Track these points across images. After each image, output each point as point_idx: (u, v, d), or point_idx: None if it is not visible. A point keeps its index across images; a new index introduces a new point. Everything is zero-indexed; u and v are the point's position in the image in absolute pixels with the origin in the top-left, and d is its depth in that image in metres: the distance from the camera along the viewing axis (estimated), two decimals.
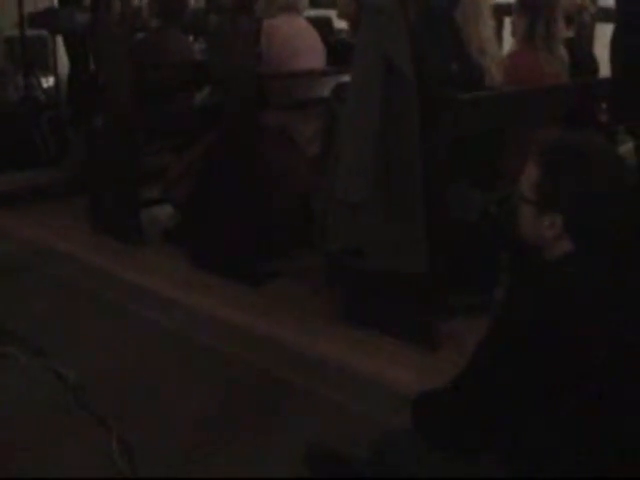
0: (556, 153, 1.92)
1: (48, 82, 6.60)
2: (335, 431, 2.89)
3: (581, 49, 4.81)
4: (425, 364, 3.26)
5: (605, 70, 4.34)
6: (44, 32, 6.57)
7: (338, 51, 4.58)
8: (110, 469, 2.71)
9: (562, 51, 4.31)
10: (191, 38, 6.05)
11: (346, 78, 3.66)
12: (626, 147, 3.52)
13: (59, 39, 6.44)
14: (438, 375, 2.72)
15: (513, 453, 1.90)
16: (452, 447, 1.99)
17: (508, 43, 5.04)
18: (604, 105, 4.41)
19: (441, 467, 2.01)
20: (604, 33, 5.12)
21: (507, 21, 5.11)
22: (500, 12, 4.90)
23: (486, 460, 1.95)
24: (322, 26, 4.94)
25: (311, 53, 4.58)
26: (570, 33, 4.71)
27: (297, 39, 4.52)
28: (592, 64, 4.78)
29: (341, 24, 5.33)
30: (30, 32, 6.36)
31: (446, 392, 2.01)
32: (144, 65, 4.66)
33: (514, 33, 4.36)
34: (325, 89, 4.23)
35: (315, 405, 3.11)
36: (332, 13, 5.72)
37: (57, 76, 6.46)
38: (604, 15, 5.64)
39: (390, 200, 3.25)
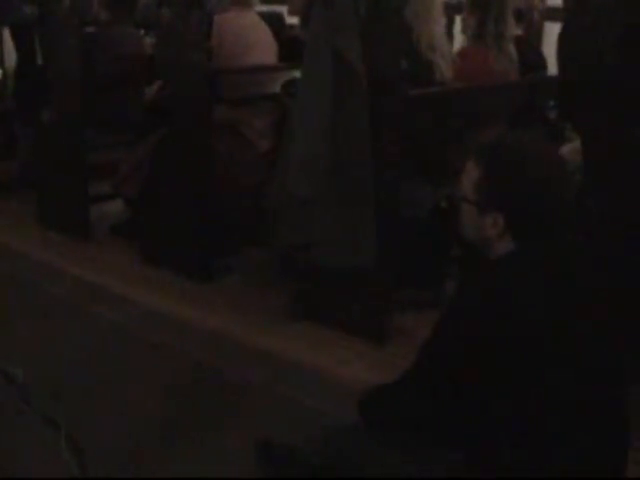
0: (495, 154, 1.94)
1: None
2: (286, 426, 2.89)
3: (530, 47, 4.86)
4: (375, 358, 3.28)
5: (554, 68, 4.39)
6: None
7: (289, 47, 4.58)
8: (60, 469, 2.68)
9: (511, 49, 4.36)
10: (142, 32, 5.99)
11: (297, 74, 3.66)
12: (572, 146, 3.58)
13: (6, 31, 6.33)
14: (388, 369, 2.74)
15: (462, 445, 1.92)
16: (400, 440, 2.01)
17: (458, 41, 5.08)
18: (552, 102, 4.48)
19: (389, 460, 2.02)
20: (553, 32, 5.18)
21: (458, 19, 5.15)
22: (451, 10, 4.94)
23: (436, 453, 1.97)
24: (274, 21, 4.92)
25: (263, 48, 4.57)
26: (519, 31, 4.76)
27: (249, 34, 4.50)
28: (540, 62, 4.84)
29: (293, 20, 5.32)
30: None
31: (394, 386, 2.03)
32: (93, 59, 4.60)
33: (464, 30, 4.40)
34: (276, 84, 4.23)
35: (266, 400, 3.10)
36: (284, 9, 5.72)
37: (4, 69, 6.35)
38: (553, 14, 5.72)
39: (341, 196, 3.26)
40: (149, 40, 5.83)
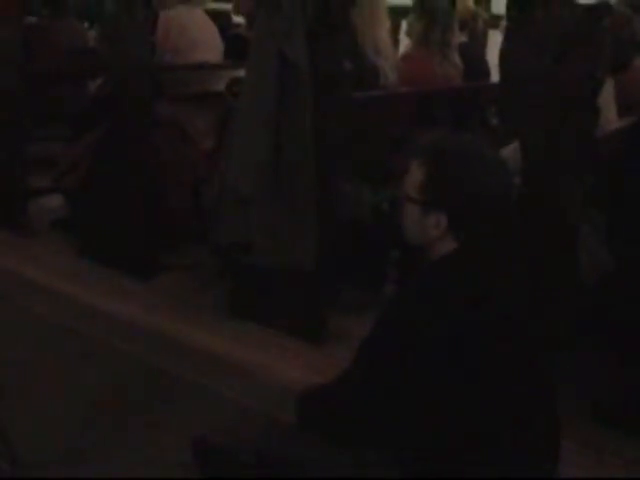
0: (440, 154, 1.97)
1: None
2: (222, 424, 2.89)
3: (474, 54, 4.94)
4: (313, 360, 3.28)
5: (496, 74, 4.46)
6: None
7: (234, 45, 4.57)
8: None
9: (456, 57, 4.42)
10: (86, 25, 5.92)
11: (241, 73, 3.66)
12: (513, 146, 3.64)
13: None
14: (325, 371, 2.75)
15: (398, 447, 1.93)
16: (338, 442, 2.01)
17: (403, 44, 5.13)
18: (493, 109, 4.54)
19: (325, 460, 2.03)
20: (496, 39, 5.27)
21: (404, 23, 5.19)
22: (397, 14, 4.99)
23: (372, 455, 1.98)
24: (220, 20, 4.92)
25: (208, 46, 4.56)
26: (463, 38, 4.83)
27: (194, 31, 4.49)
28: (484, 69, 4.92)
29: (239, 18, 5.31)
30: None
31: (332, 387, 2.04)
32: (35, 50, 4.54)
33: (409, 33, 4.44)
34: (220, 83, 4.22)
35: (202, 398, 3.09)
36: (230, 7, 5.70)
37: None
38: (496, 22, 5.82)
39: (281, 196, 3.26)
40: (94, 33, 5.76)
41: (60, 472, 2.65)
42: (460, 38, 4.61)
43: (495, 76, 4.61)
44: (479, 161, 1.94)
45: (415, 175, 1.97)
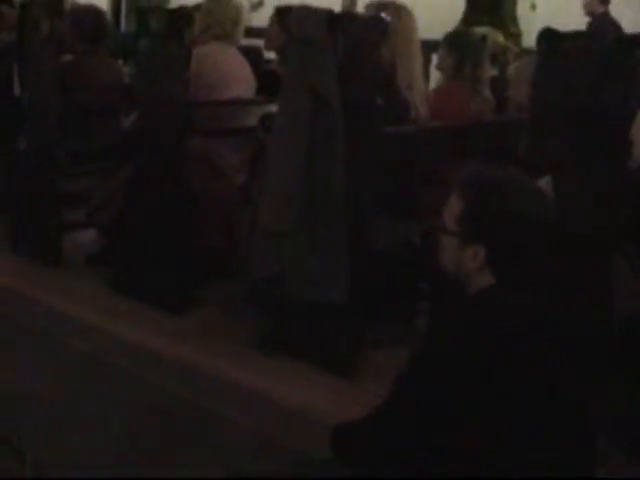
0: (479, 186, 1.96)
1: None
2: (254, 459, 2.88)
3: (505, 88, 4.94)
4: (345, 394, 3.27)
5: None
6: None
7: (266, 81, 4.61)
8: None
9: (487, 92, 4.43)
10: (121, 62, 6.00)
11: (274, 108, 3.69)
12: (544, 181, 3.64)
13: None
14: (358, 405, 2.74)
15: None
16: (372, 477, 2.00)
17: (433, 78, 5.14)
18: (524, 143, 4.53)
19: None
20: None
21: (434, 57, 5.21)
22: (427, 48, 5.01)
23: None
24: (252, 56, 4.96)
25: (241, 82, 4.59)
26: (494, 71, 4.84)
27: (227, 67, 4.53)
28: None
29: (271, 54, 5.36)
30: None
31: (367, 422, 2.02)
32: (70, 87, 4.61)
33: (439, 67, 4.46)
34: (253, 118, 4.25)
35: (234, 432, 3.09)
36: (262, 42, 5.75)
37: None
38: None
39: (314, 230, 3.27)
40: (128, 69, 5.84)
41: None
42: (491, 72, 4.61)
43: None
44: (522, 194, 1.93)
45: (454, 207, 1.96)
